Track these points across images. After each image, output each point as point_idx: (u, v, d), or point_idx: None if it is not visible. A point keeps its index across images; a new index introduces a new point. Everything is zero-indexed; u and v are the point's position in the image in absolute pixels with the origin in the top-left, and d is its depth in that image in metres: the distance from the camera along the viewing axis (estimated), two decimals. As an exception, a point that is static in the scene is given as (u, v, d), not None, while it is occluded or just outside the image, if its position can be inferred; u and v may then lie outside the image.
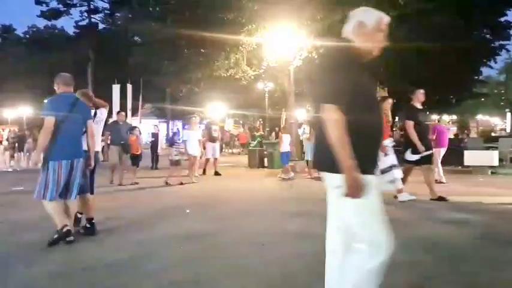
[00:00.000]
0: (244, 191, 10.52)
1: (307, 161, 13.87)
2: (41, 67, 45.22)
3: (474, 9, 20.18)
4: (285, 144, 13.63)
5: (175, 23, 20.79)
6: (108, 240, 5.55)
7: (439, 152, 11.53)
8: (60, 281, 4.07)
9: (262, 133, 27.05)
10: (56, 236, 5.15)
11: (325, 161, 2.57)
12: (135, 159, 12.25)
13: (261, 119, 30.07)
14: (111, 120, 13.23)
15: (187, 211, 7.55)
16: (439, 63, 20.22)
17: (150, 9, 28.61)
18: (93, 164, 5.81)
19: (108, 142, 12.53)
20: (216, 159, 14.61)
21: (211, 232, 5.84)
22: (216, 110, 30.18)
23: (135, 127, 12.92)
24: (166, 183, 11.68)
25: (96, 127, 6.22)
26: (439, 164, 11.37)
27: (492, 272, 4.08)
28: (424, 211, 7.18)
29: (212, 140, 14.47)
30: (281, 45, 15.95)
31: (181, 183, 11.58)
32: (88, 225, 5.75)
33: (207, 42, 18.44)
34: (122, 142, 11.65)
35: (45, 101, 5.43)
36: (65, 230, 5.15)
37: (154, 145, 17.98)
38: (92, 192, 6.03)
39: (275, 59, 16.85)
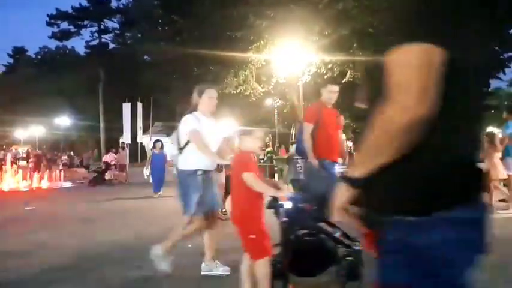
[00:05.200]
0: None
1: None
2: (52, 87, 45.74)
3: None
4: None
5: (184, 42, 21.03)
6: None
7: None
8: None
9: (272, 149, 27.07)
10: None
11: None
12: None
13: (270, 135, 30.14)
14: None
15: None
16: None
17: (159, 28, 28.92)
18: None
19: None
20: None
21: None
22: (226, 127, 30.25)
23: None
24: None
25: None
26: None
27: None
28: None
29: None
30: (290, 61, 16.03)
31: None
32: None
33: (216, 60, 18.58)
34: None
35: None
36: None
37: None
38: None
39: (284, 75, 16.90)
